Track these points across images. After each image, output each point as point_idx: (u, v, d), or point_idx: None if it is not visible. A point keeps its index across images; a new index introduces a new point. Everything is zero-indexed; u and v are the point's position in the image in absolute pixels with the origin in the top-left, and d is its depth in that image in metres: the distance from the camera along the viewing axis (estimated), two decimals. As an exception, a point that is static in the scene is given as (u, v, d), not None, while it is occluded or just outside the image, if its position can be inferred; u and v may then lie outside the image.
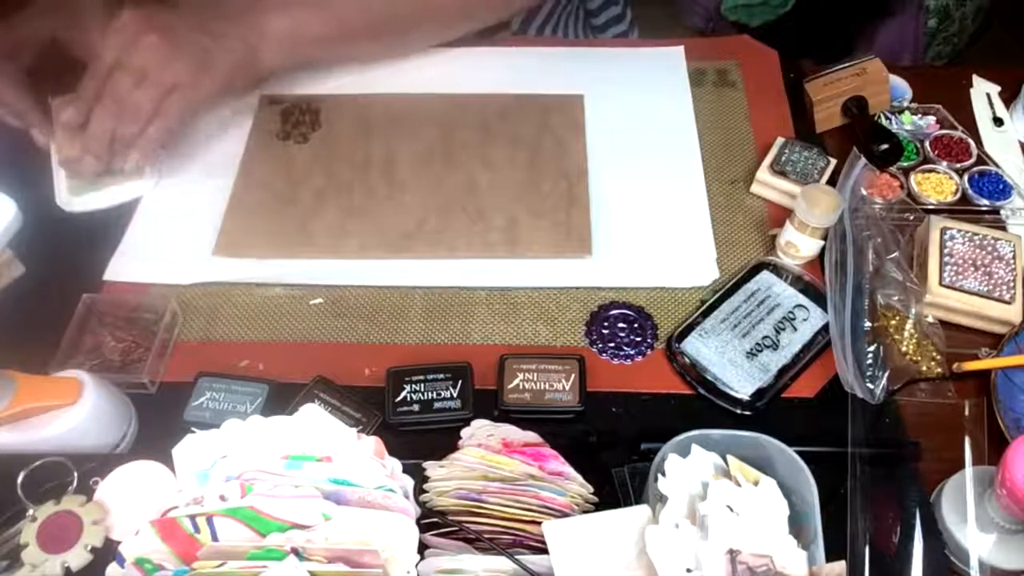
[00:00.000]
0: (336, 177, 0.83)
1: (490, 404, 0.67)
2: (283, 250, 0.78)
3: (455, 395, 0.67)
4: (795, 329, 0.72)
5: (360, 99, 0.91)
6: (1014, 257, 0.74)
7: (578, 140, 0.87)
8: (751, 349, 0.71)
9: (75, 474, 0.60)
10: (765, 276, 0.76)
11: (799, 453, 0.56)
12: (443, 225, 0.79)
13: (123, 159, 0.77)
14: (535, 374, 0.68)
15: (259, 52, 0.80)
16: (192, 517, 0.50)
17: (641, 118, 0.90)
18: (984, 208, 0.82)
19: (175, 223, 0.81)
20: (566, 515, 0.56)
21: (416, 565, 0.53)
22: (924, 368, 0.70)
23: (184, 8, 0.78)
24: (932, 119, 0.90)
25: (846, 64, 0.88)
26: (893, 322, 0.72)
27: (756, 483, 0.54)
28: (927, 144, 0.87)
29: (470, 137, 0.87)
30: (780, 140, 0.84)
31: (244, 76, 0.81)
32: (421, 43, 0.94)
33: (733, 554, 0.50)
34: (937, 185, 0.83)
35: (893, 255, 0.74)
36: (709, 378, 0.69)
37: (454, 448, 0.60)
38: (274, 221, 0.80)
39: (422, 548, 0.54)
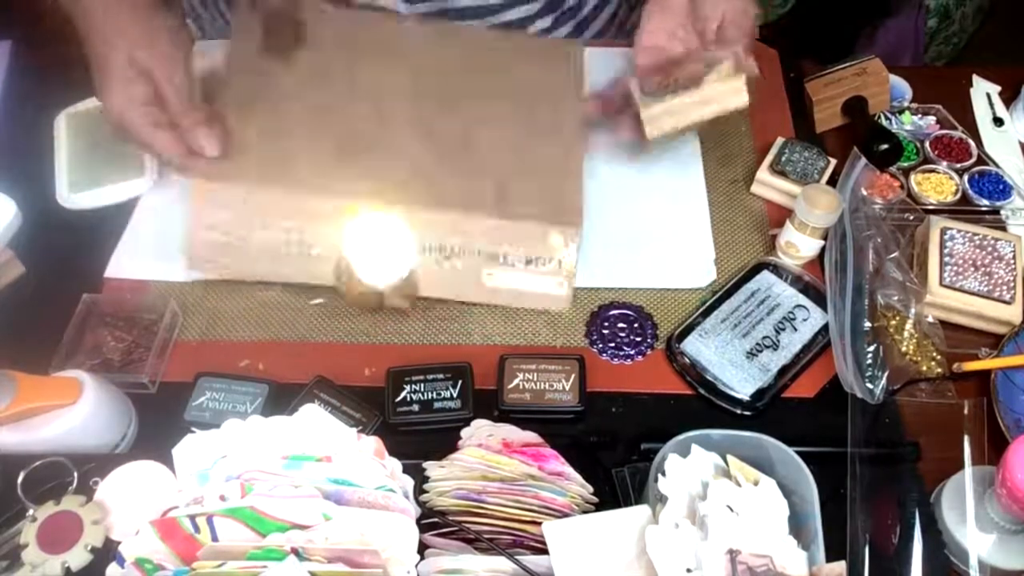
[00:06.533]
0: (323, 107, 0.76)
1: (490, 404, 0.67)
2: (267, 184, 0.72)
3: (455, 395, 0.67)
4: (795, 329, 0.72)
5: (347, 15, 0.83)
6: (1014, 257, 0.74)
7: (575, 97, 0.82)
8: (751, 349, 0.71)
9: (75, 474, 0.60)
10: (765, 276, 0.76)
11: (799, 453, 0.56)
12: (435, 177, 0.74)
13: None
14: (535, 374, 0.68)
15: None
16: (192, 517, 0.50)
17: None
18: (984, 208, 0.82)
19: (175, 220, 0.81)
20: (566, 515, 0.56)
21: (416, 565, 0.53)
22: (924, 368, 0.70)
23: None
24: (932, 119, 0.90)
25: (846, 64, 0.88)
26: (893, 322, 0.72)
27: (756, 483, 0.54)
28: (927, 144, 0.87)
29: (465, 82, 0.81)
30: (780, 140, 0.84)
31: None
32: None
33: (733, 554, 0.50)
34: (937, 185, 0.83)
35: (893, 255, 0.74)
36: (709, 378, 0.69)
37: (454, 448, 0.60)
38: (258, 151, 0.73)
39: (422, 548, 0.54)
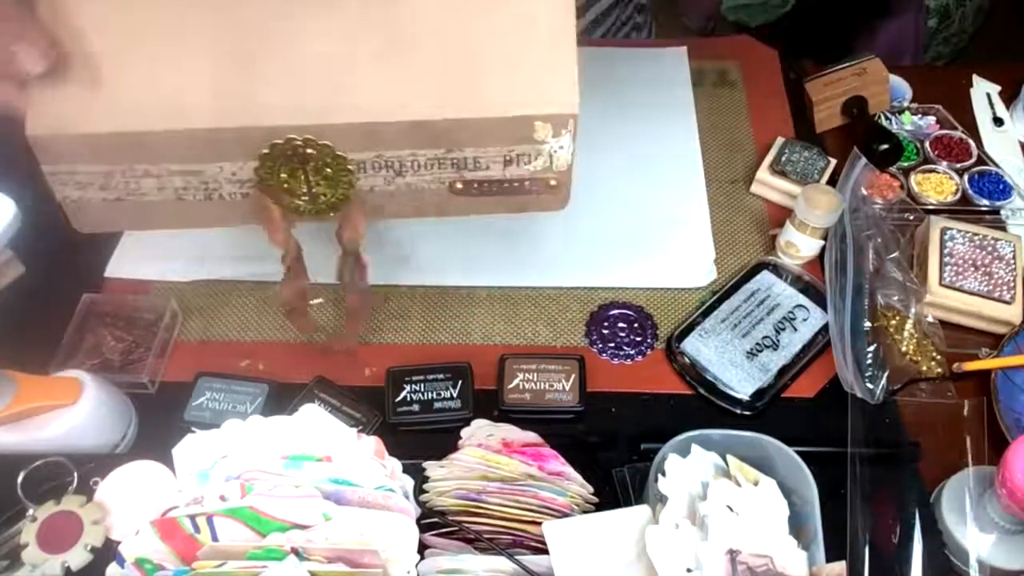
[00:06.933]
0: (206, 5, 0.55)
1: (490, 404, 0.67)
2: (139, 120, 0.53)
3: (455, 395, 0.67)
4: (795, 329, 0.72)
5: None
6: (1014, 257, 0.74)
7: None
8: (751, 349, 0.71)
9: (75, 474, 0.60)
10: (765, 276, 0.76)
11: (799, 453, 0.56)
12: (363, 72, 0.54)
13: None
14: (535, 374, 0.68)
15: None
16: (192, 517, 0.50)
17: (643, 118, 0.90)
18: (984, 208, 0.82)
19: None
20: (566, 515, 0.56)
21: (416, 565, 0.53)
22: (924, 368, 0.70)
23: None
24: (932, 119, 0.90)
25: (846, 64, 0.89)
26: (893, 322, 0.72)
27: (756, 483, 0.54)
28: (927, 144, 0.87)
29: None
30: (780, 140, 0.85)
31: None
32: None
33: (733, 554, 0.50)
34: (937, 185, 0.83)
35: (893, 255, 0.74)
36: (709, 378, 0.69)
37: (454, 448, 0.60)
38: (125, 78, 0.54)
39: (422, 548, 0.54)
